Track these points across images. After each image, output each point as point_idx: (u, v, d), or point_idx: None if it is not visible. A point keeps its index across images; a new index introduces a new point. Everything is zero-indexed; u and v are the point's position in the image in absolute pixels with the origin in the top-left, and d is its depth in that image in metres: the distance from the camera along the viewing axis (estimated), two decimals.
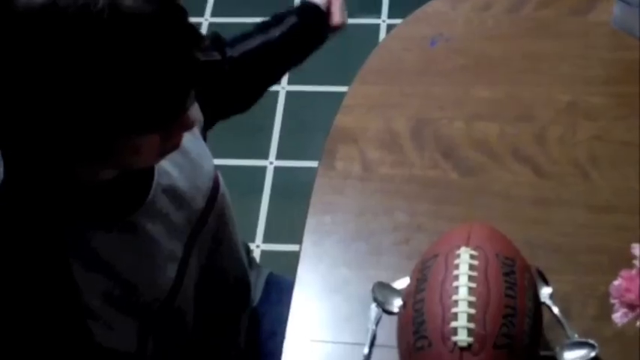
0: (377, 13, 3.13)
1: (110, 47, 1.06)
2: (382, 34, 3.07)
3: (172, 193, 1.39)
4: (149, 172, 1.35)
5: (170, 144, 1.24)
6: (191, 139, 1.44)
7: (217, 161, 1.54)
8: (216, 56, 1.23)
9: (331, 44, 3.10)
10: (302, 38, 1.79)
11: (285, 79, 2.99)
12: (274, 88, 2.95)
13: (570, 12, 1.94)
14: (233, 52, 1.68)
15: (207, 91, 1.37)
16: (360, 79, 1.86)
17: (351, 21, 3.07)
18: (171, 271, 1.39)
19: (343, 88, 2.74)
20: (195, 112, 1.29)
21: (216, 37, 1.70)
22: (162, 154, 1.25)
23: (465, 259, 1.32)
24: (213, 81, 1.50)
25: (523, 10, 1.95)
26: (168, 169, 1.39)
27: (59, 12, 1.05)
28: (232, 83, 1.67)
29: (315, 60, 3.03)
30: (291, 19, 1.76)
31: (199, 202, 1.46)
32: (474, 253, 1.33)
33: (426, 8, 1.98)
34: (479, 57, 1.87)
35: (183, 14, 1.14)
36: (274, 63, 1.79)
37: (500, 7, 1.96)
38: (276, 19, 1.77)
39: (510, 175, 1.68)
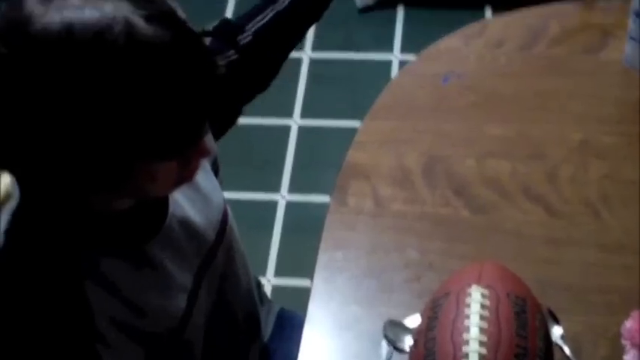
0: (389, 48, 3.15)
1: (126, 74, 1.07)
2: (394, 70, 3.08)
3: (185, 224, 1.39)
4: (164, 203, 1.36)
5: (186, 172, 1.24)
6: (202, 174, 1.45)
7: (228, 194, 1.55)
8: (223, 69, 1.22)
9: (343, 79, 3.12)
10: None
11: (297, 113, 3.00)
12: (286, 122, 2.98)
13: (582, 50, 1.95)
14: (246, 36, 1.61)
15: (227, 84, 1.38)
16: (372, 115, 1.87)
17: (363, 56, 3.12)
18: (182, 301, 1.40)
19: (355, 123, 2.75)
20: (210, 142, 1.29)
21: (225, 24, 1.63)
22: (179, 182, 1.25)
23: (476, 298, 1.32)
24: (230, 77, 1.51)
25: (535, 47, 1.96)
26: (181, 201, 1.40)
27: (75, 39, 1.05)
28: (251, 66, 1.61)
29: (327, 95, 3.05)
30: None
31: (210, 235, 1.46)
32: (485, 292, 1.33)
33: (438, 45, 1.99)
34: (491, 94, 1.88)
35: (199, 40, 1.15)
36: (290, 32, 1.70)
37: (513, 44, 1.97)
38: None
39: (521, 214, 1.68)
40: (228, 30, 1.60)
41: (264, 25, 1.63)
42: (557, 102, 1.86)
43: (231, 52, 1.56)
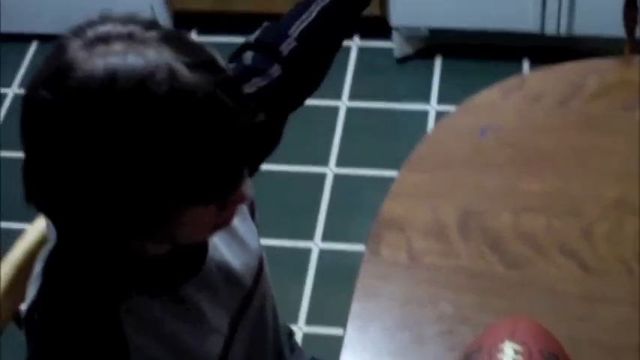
0: (426, 98, 3.16)
1: (167, 122, 1.08)
2: (431, 120, 3.09)
3: (224, 269, 1.40)
4: (202, 247, 1.36)
5: (224, 218, 1.24)
6: (239, 219, 1.45)
7: (262, 240, 1.55)
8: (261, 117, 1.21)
9: (380, 128, 3.13)
10: None
11: (333, 161, 3.01)
12: (322, 170, 2.99)
13: (620, 106, 1.95)
14: (289, 43, 1.54)
15: (275, 94, 1.38)
16: (409, 167, 1.87)
17: (399, 106, 3.13)
18: (217, 344, 1.40)
19: (390, 173, 2.76)
20: (248, 188, 1.30)
21: (267, 32, 1.55)
22: (216, 228, 1.26)
23: (509, 353, 1.32)
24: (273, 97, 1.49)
25: (573, 103, 1.96)
26: (220, 245, 1.40)
27: (118, 86, 1.07)
28: (296, 76, 1.55)
29: (363, 143, 3.05)
30: None
31: (247, 281, 1.46)
32: (518, 348, 1.33)
33: (476, 98, 1.99)
34: (528, 149, 1.88)
35: (239, 89, 1.16)
36: (338, 28, 1.62)
37: (551, 99, 1.97)
38: None
39: (556, 270, 1.67)
40: (270, 40, 1.54)
41: (309, 25, 1.56)
42: (594, 158, 1.85)
43: (275, 67, 1.51)
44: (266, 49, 1.52)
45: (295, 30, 1.55)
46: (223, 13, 3.25)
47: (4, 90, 3.32)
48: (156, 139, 1.08)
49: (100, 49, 1.09)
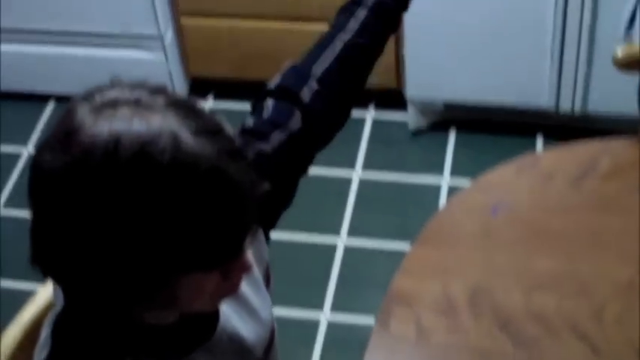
0: (439, 171, 3.16)
1: (170, 188, 1.07)
2: (443, 193, 3.09)
3: (235, 339, 1.39)
4: (213, 315, 1.36)
5: (229, 286, 1.23)
6: (252, 288, 1.44)
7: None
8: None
9: (392, 200, 3.12)
10: (388, 10, 1.59)
11: (344, 232, 3.00)
12: (333, 240, 2.98)
13: (634, 187, 1.94)
14: (311, 87, 1.50)
15: (296, 145, 1.37)
16: (420, 242, 1.87)
17: (412, 178, 3.13)
18: None
19: (401, 245, 2.76)
20: (263, 252, 1.27)
21: (289, 76, 1.52)
22: (221, 296, 1.25)
23: None
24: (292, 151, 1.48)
25: (586, 182, 1.96)
26: (230, 315, 1.39)
27: (121, 151, 1.07)
28: (321, 115, 1.52)
29: (374, 215, 3.05)
30: None
31: (258, 352, 1.45)
32: None
33: (488, 176, 1.99)
34: (540, 228, 1.88)
35: (243, 157, 1.16)
36: (362, 60, 1.57)
37: (564, 178, 1.97)
38: (355, 3, 1.57)
39: (565, 351, 1.66)
40: (291, 85, 1.51)
41: (332, 63, 1.52)
42: (606, 239, 1.85)
43: (295, 117, 1.49)
44: (287, 95, 1.50)
45: (318, 68, 1.53)
46: (240, 80, 3.28)
47: (19, 149, 3.34)
48: (155, 207, 1.07)
49: (107, 112, 1.09)
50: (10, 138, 3.38)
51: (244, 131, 1.48)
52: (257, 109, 1.51)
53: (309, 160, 1.54)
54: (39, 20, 3.26)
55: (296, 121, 1.49)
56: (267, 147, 1.45)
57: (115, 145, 1.07)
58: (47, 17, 3.24)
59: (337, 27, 1.57)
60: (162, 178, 1.07)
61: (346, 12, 1.58)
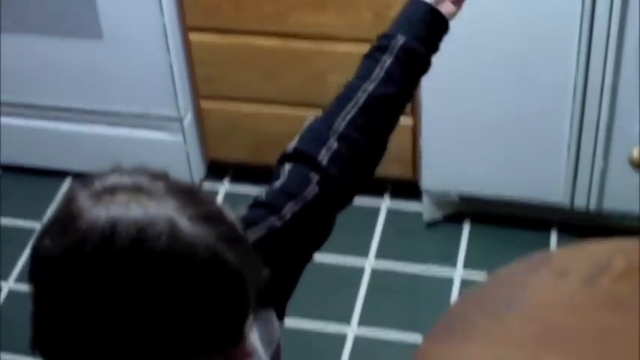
0: (452, 263, 3.15)
1: (167, 273, 1.08)
2: (456, 285, 3.07)
3: None
4: None
5: None
6: None
7: None
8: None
9: (404, 291, 3.11)
10: (417, 54, 1.54)
11: (355, 321, 2.99)
12: (343, 329, 2.97)
13: None
14: (330, 148, 1.47)
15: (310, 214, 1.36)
16: (430, 338, 1.86)
17: (425, 270, 3.12)
18: None
19: (412, 336, 2.74)
20: (275, 332, 1.26)
21: (310, 135, 1.50)
22: None
23: None
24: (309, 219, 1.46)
25: (600, 281, 1.95)
26: None
27: (118, 236, 1.07)
28: (339, 177, 1.48)
29: (385, 305, 3.03)
30: (398, 41, 1.53)
31: None
32: None
33: (501, 271, 1.99)
34: (552, 326, 1.86)
35: (244, 243, 1.16)
36: (390, 108, 1.52)
37: (577, 276, 1.96)
38: (379, 49, 1.52)
39: None
40: (309, 148, 1.49)
41: (353, 118, 1.48)
42: (618, 339, 1.83)
43: (311, 185, 1.46)
44: (304, 159, 1.49)
45: (339, 122, 1.49)
46: (257, 165, 3.29)
47: (33, 224, 3.35)
48: (152, 293, 1.08)
49: (105, 198, 1.10)
50: (25, 213, 3.39)
51: (258, 204, 1.47)
52: (274, 176, 1.50)
53: (329, 224, 1.51)
54: (61, 97, 3.29)
55: (312, 188, 1.46)
56: (279, 222, 1.44)
57: (111, 230, 1.07)
58: (70, 95, 3.27)
59: (361, 76, 1.53)
60: (158, 264, 1.08)
61: (371, 59, 1.54)
